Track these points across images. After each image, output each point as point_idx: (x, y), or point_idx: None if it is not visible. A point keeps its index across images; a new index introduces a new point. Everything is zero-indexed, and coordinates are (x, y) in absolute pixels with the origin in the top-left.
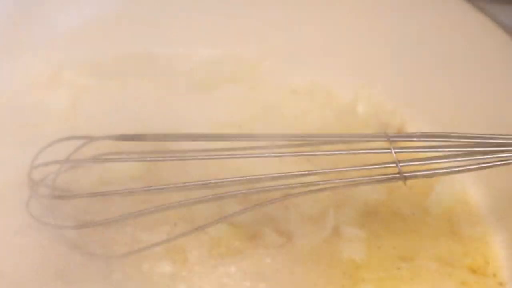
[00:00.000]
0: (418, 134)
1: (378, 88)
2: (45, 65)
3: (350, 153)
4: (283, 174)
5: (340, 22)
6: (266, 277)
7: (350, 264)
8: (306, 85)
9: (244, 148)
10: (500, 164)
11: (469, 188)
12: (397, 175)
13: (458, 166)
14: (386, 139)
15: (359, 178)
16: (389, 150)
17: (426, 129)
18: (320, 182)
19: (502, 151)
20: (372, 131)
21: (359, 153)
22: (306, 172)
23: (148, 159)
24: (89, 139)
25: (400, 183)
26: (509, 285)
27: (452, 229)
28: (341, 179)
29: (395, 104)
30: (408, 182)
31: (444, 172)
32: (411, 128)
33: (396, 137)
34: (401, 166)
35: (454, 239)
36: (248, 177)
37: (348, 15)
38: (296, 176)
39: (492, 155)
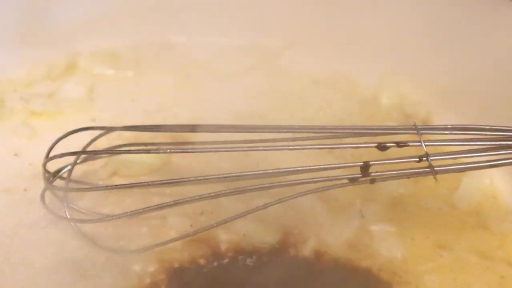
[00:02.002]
0: (450, 126)
1: (403, 78)
2: (60, 54)
3: (375, 146)
4: (307, 168)
5: (363, 11)
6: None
7: (395, 261)
8: (328, 75)
9: (266, 140)
10: None
11: (497, 182)
12: (428, 170)
13: (491, 160)
14: (415, 131)
15: (387, 173)
16: (419, 143)
17: (453, 121)
18: (346, 176)
19: None
20: (396, 123)
21: (387, 146)
22: (331, 166)
23: (167, 151)
24: (106, 129)
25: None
26: None
27: (482, 223)
28: (370, 173)
29: (420, 95)
30: (438, 175)
31: (477, 166)
32: (437, 120)
33: (426, 130)
34: (431, 160)
35: (487, 233)
36: (270, 171)
37: (371, 4)
38: (320, 170)
39: None
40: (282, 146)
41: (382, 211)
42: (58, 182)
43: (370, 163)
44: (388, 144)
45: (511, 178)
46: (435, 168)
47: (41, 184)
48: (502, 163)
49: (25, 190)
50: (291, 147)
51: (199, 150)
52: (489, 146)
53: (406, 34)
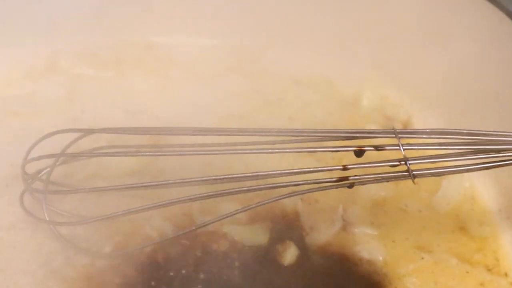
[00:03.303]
0: (428, 130)
1: (384, 80)
2: (40, 54)
3: (355, 150)
4: (286, 171)
5: (344, 12)
6: None
7: (376, 263)
8: (309, 76)
9: (246, 143)
10: None
11: (477, 186)
12: (406, 174)
13: (469, 165)
14: (394, 135)
15: (366, 176)
16: (398, 147)
17: (433, 124)
18: (327, 180)
19: None
20: (377, 125)
21: (366, 150)
22: (311, 169)
23: (146, 153)
24: (86, 132)
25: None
26: None
27: (461, 226)
28: (348, 177)
29: (401, 97)
30: (416, 179)
31: (455, 170)
32: (417, 123)
33: (404, 134)
34: (410, 164)
35: (466, 236)
36: (250, 174)
37: (353, 5)
38: (300, 173)
39: (504, 153)
40: (262, 149)
41: (363, 214)
42: (37, 184)
43: (349, 166)
44: (366, 148)
45: (490, 182)
46: (413, 172)
47: (21, 185)
48: (479, 167)
49: (4, 191)
50: (270, 151)
51: (179, 153)
52: (467, 150)
53: (388, 36)
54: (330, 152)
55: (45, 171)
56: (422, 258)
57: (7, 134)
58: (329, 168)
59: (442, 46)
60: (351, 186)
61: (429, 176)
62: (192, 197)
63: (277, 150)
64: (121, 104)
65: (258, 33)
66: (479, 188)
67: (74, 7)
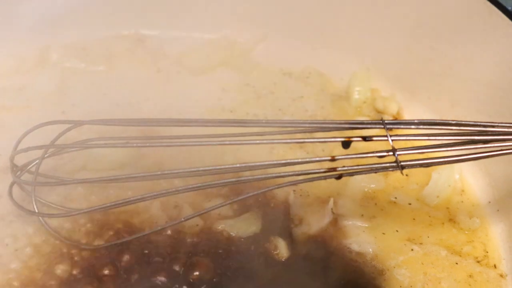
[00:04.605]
0: (416, 121)
1: (375, 73)
2: (31, 48)
3: (344, 140)
4: (275, 162)
5: (335, 5)
6: None
7: (367, 255)
8: (300, 68)
9: (236, 134)
10: (501, 154)
11: (467, 178)
12: (394, 165)
13: (458, 155)
14: (382, 126)
15: (354, 167)
16: (386, 138)
17: (424, 116)
18: (316, 171)
19: (503, 140)
20: (368, 117)
21: (354, 141)
22: (300, 160)
23: (135, 145)
24: (75, 123)
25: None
26: (510, 276)
27: (450, 218)
28: (336, 168)
29: (392, 90)
30: (405, 170)
31: (443, 161)
32: (408, 115)
33: (393, 125)
34: (398, 155)
35: (455, 228)
36: (239, 165)
37: None
38: (289, 164)
39: (493, 144)
40: (252, 140)
41: (353, 206)
42: (26, 176)
43: (337, 157)
44: (354, 139)
45: (480, 173)
46: (401, 163)
47: (9, 177)
48: (467, 158)
49: None
50: (258, 141)
51: (168, 144)
52: (455, 141)
53: (378, 30)
54: (320, 145)
55: (34, 163)
56: (412, 250)
57: None
58: (317, 159)
59: (433, 40)
60: (339, 177)
61: (417, 167)
62: (180, 188)
63: (265, 141)
64: (112, 98)
65: (249, 26)
66: (469, 180)
67: (64, 1)
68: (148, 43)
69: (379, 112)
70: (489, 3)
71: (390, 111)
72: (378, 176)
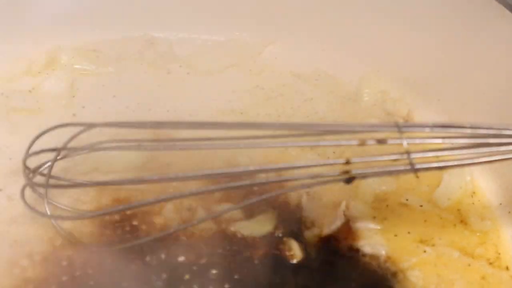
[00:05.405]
0: (431, 124)
1: (384, 75)
2: (41, 50)
3: (358, 144)
4: (287, 166)
5: (345, 7)
6: None
7: (379, 257)
8: (310, 71)
9: (248, 137)
10: None
11: (478, 180)
12: (409, 167)
13: (471, 158)
14: (396, 129)
15: (368, 170)
16: (400, 140)
17: (433, 118)
18: (329, 174)
19: None
20: (378, 119)
21: (368, 144)
22: (313, 164)
23: (148, 147)
24: (87, 126)
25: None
26: None
27: (462, 220)
28: (350, 171)
29: (401, 91)
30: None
31: (457, 164)
32: (418, 117)
33: (407, 127)
34: (412, 157)
35: (467, 230)
36: (253, 168)
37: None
38: (302, 167)
39: (506, 147)
40: (264, 143)
41: (365, 208)
42: (38, 179)
43: (351, 160)
44: (369, 142)
45: (491, 176)
46: (415, 166)
47: (21, 180)
48: (481, 161)
49: (4, 186)
50: (272, 145)
51: (180, 147)
52: (469, 144)
53: (388, 31)
54: (332, 148)
55: (46, 165)
56: (425, 252)
57: (8, 129)
58: (331, 162)
59: (444, 41)
60: (351, 180)
61: (431, 170)
62: (193, 191)
63: (278, 144)
64: (122, 100)
65: (258, 28)
66: (480, 182)
67: (75, 2)
68: (158, 45)
69: (388, 114)
70: (501, 6)
71: (400, 113)
72: (389, 178)
